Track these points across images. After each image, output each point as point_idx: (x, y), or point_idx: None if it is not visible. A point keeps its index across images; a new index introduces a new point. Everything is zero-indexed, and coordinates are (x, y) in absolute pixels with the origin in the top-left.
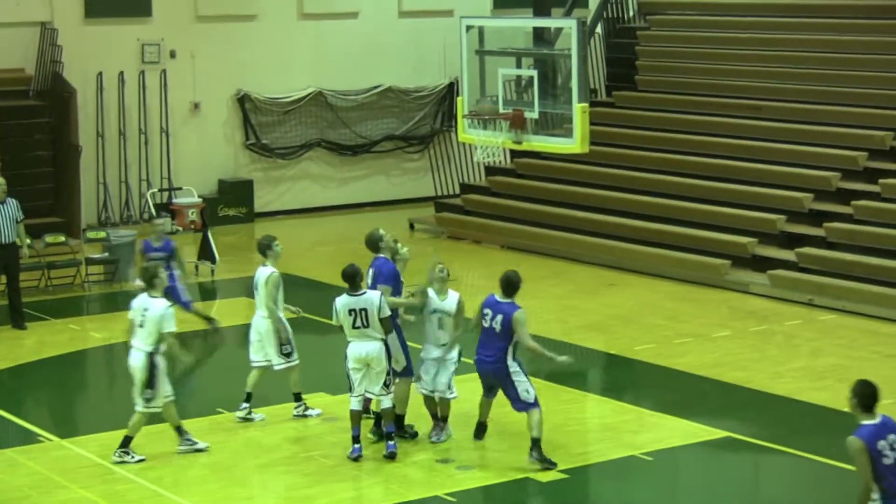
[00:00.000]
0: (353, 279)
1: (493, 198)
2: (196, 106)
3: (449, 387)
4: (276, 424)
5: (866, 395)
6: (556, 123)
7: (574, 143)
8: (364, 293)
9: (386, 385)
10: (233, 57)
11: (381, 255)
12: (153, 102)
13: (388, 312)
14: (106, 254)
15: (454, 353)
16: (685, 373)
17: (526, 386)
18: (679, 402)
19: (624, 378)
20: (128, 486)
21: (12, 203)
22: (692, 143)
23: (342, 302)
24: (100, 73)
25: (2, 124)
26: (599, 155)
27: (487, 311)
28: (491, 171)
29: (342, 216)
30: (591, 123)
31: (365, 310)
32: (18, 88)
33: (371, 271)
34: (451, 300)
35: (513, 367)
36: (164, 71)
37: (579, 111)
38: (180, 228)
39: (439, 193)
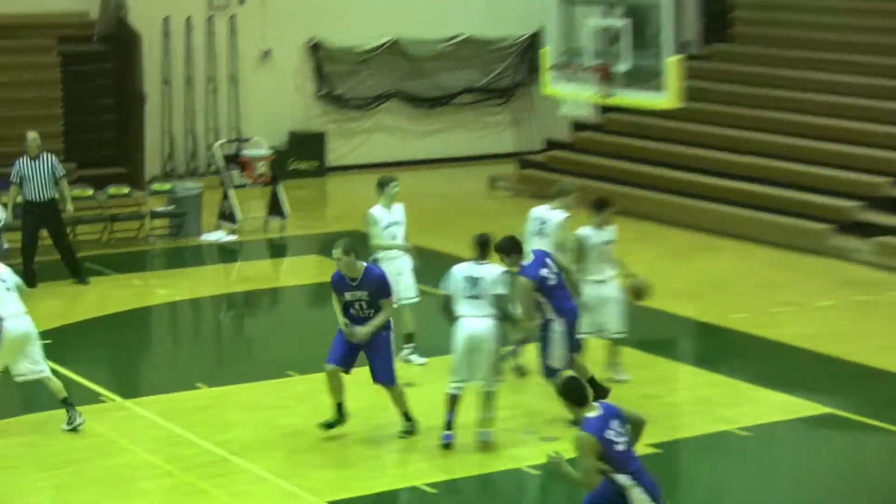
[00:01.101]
0: (483, 247)
1: (579, 155)
2: (266, 54)
3: None
4: (358, 389)
5: (572, 391)
6: (647, 77)
7: (666, 99)
8: (487, 265)
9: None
10: (305, 3)
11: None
12: (221, 49)
13: (504, 290)
14: (171, 207)
15: None
16: (783, 344)
17: None
18: (776, 374)
19: (717, 348)
20: (193, 450)
21: (49, 158)
22: (791, 101)
23: (461, 269)
24: (166, 18)
25: (64, 70)
26: (692, 112)
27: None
28: (577, 127)
29: (419, 172)
30: (685, 78)
31: (482, 279)
32: (81, 33)
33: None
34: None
35: None
36: (233, 16)
37: (672, 64)
38: (248, 181)
39: (521, 150)
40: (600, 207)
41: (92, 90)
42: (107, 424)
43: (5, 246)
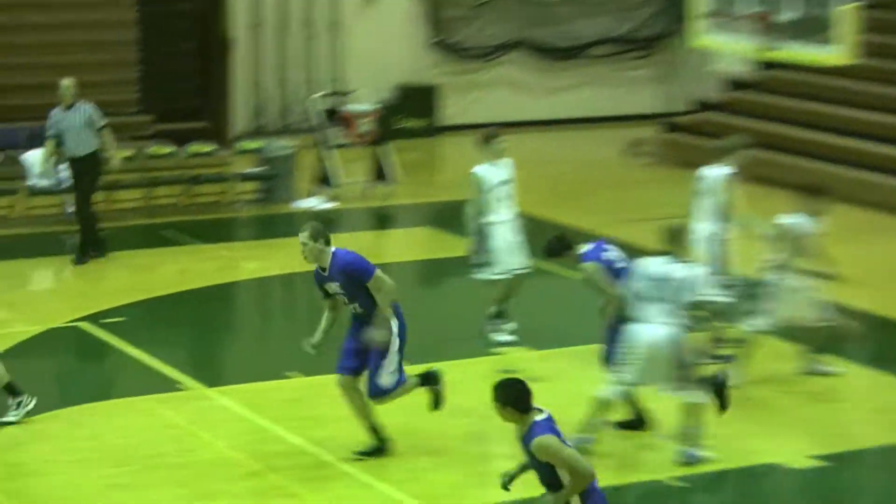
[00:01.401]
0: (677, 238)
1: (735, 117)
2: None
3: None
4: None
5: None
6: (816, 28)
7: (838, 54)
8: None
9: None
10: None
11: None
12: None
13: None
14: (261, 168)
15: None
16: None
17: None
18: None
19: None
20: (282, 446)
21: (85, 108)
22: None
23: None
24: None
25: (140, 10)
26: (869, 70)
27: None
28: (732, 85)
29: (545, 133)
30: (862, 30)
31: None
32: None
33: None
34: None
35: None
36: None
37: (846, 14)
38: (350, 141)
39: (665, 111)
40: (817, 193)
41: (171, 34)
42: (185, 415)
43: (69, 210)
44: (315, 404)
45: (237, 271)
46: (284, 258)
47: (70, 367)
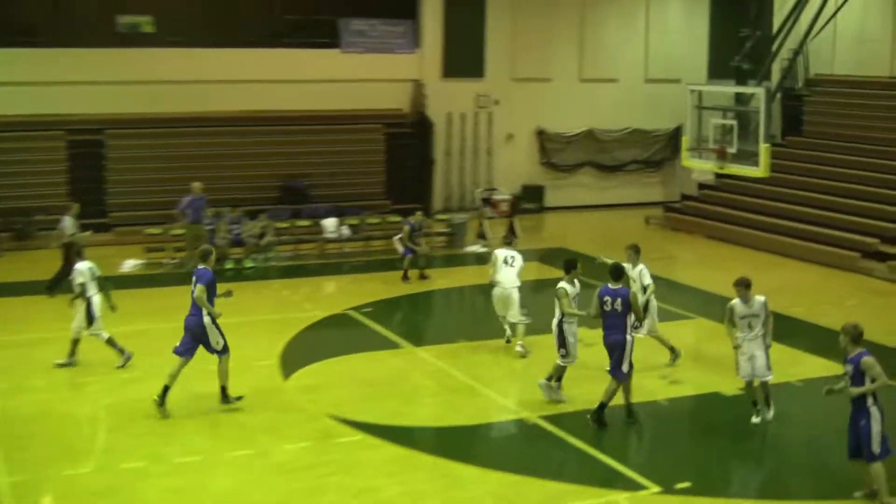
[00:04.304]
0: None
1: (703, 204)
2: (510, 136)
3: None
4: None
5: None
6: (747, 156)
7: (759, 170)
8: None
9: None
10: (535, 105)
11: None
12: (482, 133)
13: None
14: (448, 229)
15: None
16: (825, 327)
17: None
18: (819, 346)
19: (782, 329)
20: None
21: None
22: (841, 174)
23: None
24: (449, 113)
25: (387, 143)
26: (777, 179)
27: (607, 298)
28: (703, 186)
29: (600, 212)
30: (771, 158)
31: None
32: (399, 121)
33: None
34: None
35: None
36: (490, 112)
37: (763, 149)
38: (496, 215)
39: (667, 200)
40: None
41: (405, 157)
42: (401, 361)
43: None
44: (474, 358)
45: (433, 284)
46: (461, 278)
47: (342, 335)
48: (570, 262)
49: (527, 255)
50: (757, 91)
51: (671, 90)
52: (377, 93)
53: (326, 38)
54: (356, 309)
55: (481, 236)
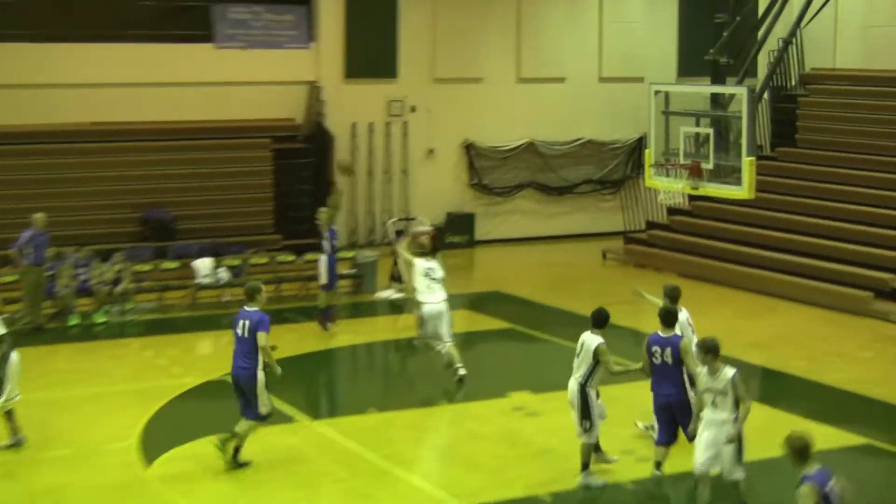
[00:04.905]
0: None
1: (674, 234)
2: (431, 152)
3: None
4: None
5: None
6: (727, 173)
7: (742, 190)
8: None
9: None
10: (461, 112)
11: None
12: (396, 148)
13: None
14: (353, 270)
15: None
16: (832, 387)
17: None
18: (825, 411)
19: (779, 389)
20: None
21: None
22: (842, 193)
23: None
24: (354, 124)
25: (276, 162)
26: (764, 201)
27: (656, 348)
28: (672, 211)
29: (547, 245)
30: (758, 174)
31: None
32: (289, 134)
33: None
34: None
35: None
36: (405, 122)
37: (747, 163)
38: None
39: (628, 228)
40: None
41: (296, 178)
42: (299, 437)
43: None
44: (389, 434)
45: (336, 340)
46: (370, 331)
47: (220, 408)
48: (601, 315)
49: (454, 302)
50: (738, 91)
51: (632, 92)
52: (262, 99)
53: (197, 29)
54: None
55: (396, 279)
